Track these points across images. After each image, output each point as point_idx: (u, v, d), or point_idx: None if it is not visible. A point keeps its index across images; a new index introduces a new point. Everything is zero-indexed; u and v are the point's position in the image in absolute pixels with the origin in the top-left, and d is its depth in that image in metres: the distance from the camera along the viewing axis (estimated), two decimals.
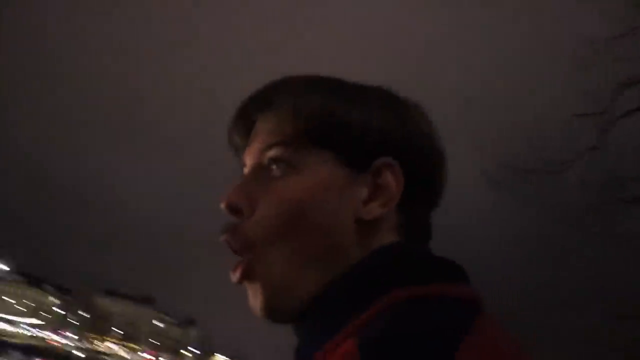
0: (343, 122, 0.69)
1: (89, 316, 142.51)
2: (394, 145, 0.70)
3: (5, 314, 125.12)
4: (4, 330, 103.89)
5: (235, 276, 0.68)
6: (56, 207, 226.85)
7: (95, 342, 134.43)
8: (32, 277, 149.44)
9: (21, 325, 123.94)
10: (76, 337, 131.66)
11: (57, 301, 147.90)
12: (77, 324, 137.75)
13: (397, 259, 0.65)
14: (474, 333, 0.53)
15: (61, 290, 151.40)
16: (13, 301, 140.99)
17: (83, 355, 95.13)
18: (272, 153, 0.70)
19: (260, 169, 0.71)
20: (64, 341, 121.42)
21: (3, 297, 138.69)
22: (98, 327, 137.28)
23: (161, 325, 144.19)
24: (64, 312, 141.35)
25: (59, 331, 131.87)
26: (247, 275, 0.68)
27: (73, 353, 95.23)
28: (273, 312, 0.68)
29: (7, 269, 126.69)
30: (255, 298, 0.69)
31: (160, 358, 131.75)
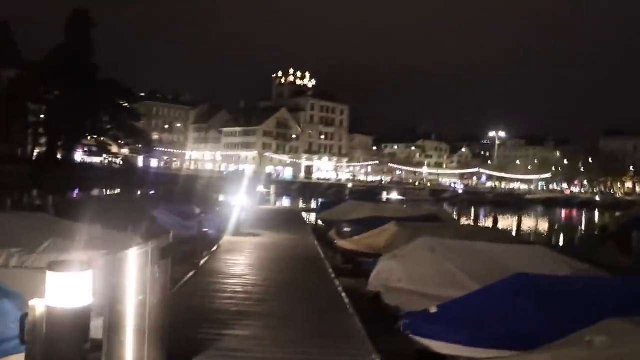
0: None
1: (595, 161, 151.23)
2: None
3: (519, 174, 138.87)
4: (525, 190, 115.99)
5: None
6: None
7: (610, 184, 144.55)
8: (530, 137, 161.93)
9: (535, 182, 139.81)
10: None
11: (558, 154, 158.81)
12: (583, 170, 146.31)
13: None
14: None
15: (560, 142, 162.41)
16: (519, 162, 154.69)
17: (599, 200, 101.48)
18: None
19: None
20: (577, 190, 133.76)
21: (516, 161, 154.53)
22: (608, 169, 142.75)
23: None
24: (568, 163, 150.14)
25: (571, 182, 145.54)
26: None
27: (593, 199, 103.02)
28: None
29: (504, 135, 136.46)
30: None
31: None
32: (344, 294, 10.01)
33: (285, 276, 11.57)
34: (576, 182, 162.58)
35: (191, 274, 11.00)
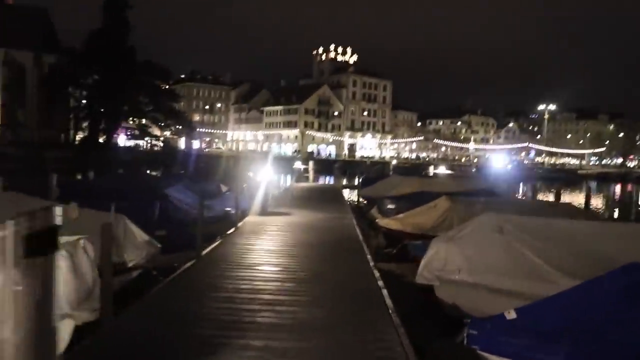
0: None
1: None
2: None
3: (569, 149, 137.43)
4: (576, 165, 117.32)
5: None
6: None
7: None
8: (582, 110, 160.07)
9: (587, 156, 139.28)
10: None
11: (612, 127, 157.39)
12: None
13: None
14: None
15: (614, 116, 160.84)
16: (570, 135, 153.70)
17: None
18: None
19: None
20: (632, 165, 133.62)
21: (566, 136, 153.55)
22: None
23: None
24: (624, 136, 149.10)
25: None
26: None
27: None
28: None
29: (554, 108, 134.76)
30: None
31: None
32: (384, 291, 7.50)
33: (309, 266, 9.14)
34: (631, 157, 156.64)
35: (188, 264, 8.62)
